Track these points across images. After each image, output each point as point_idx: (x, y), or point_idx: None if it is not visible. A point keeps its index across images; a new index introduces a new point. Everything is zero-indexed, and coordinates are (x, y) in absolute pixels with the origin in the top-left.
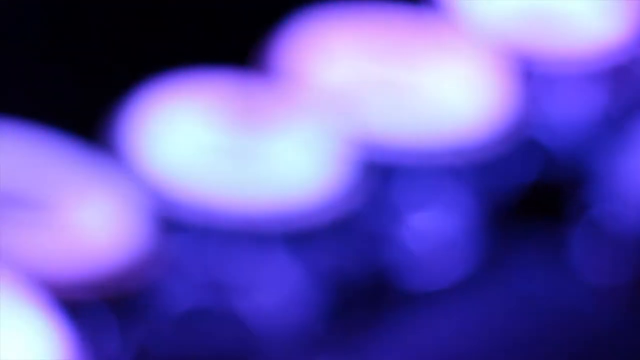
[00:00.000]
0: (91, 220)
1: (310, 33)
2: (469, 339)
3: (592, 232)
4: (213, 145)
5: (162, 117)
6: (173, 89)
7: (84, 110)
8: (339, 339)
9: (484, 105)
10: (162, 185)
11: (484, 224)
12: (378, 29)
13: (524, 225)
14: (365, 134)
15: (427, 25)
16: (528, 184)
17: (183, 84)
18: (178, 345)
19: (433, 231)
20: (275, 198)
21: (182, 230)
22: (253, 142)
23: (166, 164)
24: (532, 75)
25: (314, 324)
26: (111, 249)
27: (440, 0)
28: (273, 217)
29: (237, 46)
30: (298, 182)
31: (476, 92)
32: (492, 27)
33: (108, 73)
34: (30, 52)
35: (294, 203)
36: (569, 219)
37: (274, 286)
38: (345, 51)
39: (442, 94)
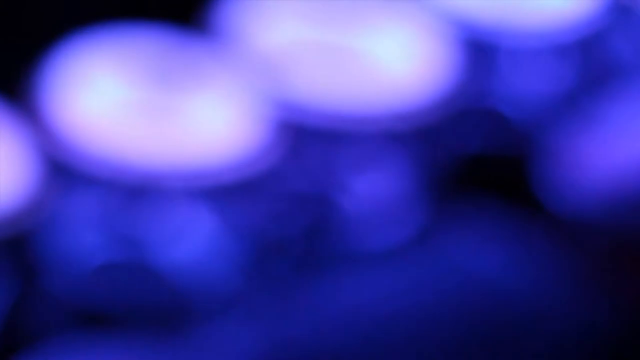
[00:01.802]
0: None
1: None
2: (392, 305)
3: (541, 211)
4: (128, 99)
5: (80, 69)
6: (96, 43)
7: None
8: (257, 298)
9: (424, 71)
10: (71, 135)
11: (424, 191)
12: None
13: (468, 196)
14: (298, 96)
15: None
16: (476, 154)
17: (106, 39)
18: (87, 301)
19: (368, 194)
20: (191, 152)
21: (92, 182)
22: (171, 98)
23: (78, 115)
24: (484, 44)
25: (233, 281)
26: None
27: None
28: (189, 171)
29: (174, 3)
30: (216, 138)
31: (417, 57)
32: None
33: (31, 25)
34: None
35: (211, 158)
36: (519, 194)
37: (190, 241)
38: (284, 11)
39: (381, 58)
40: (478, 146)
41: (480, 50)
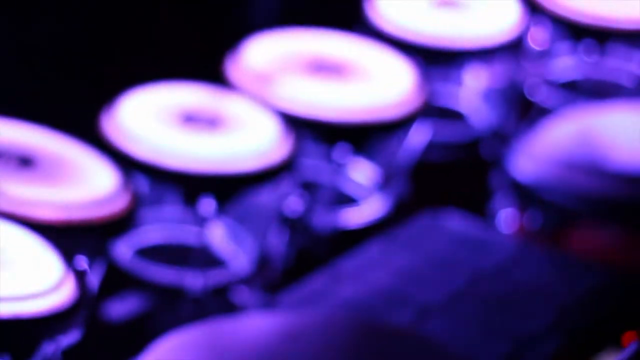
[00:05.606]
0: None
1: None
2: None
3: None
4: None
5: (136, 107)
6: (150, 91)
7: (83, 109)
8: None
9: (393, 80)
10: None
11: (400, 174)
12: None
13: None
14: (296, 102)
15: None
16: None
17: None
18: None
19: (359, 179)
20: (228, 152)
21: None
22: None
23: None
24: (442, 52)
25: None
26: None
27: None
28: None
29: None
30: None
31: (383, 69)
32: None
33: (106, 80)
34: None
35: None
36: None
37: (226, 225)
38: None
39: (361, 70)
40: (440, 145)
41: (438, 56)
